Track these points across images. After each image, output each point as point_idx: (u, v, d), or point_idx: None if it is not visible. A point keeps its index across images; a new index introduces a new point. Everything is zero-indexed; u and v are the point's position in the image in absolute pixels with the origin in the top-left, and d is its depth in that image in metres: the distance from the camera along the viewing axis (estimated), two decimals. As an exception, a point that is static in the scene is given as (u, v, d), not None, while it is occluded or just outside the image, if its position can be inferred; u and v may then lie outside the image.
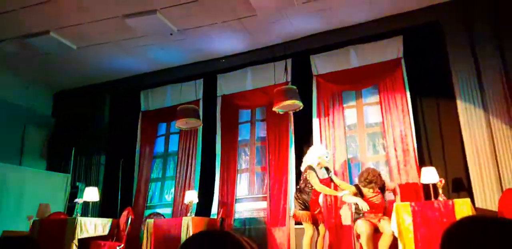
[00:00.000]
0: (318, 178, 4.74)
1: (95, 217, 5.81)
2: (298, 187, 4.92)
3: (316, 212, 4.82)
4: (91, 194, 5.85)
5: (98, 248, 5.16)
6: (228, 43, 6.31)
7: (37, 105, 7.63)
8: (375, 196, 4.58)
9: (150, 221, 5.49)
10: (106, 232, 5.44)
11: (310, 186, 4.76)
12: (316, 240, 4.77)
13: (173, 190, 6.62)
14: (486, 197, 4.56)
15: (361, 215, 4.55)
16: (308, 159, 4.91)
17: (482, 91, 4.97)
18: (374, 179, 4.47)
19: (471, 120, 4.92)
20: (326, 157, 4.92)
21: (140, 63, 6.91)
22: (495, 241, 0.72)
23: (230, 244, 0.85)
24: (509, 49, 4.95)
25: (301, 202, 4.77)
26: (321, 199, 5.15)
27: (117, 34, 5.94)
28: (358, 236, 4.46)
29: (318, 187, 4.66)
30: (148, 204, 6.77)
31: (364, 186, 4.53)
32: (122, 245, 5.35)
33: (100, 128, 7.42)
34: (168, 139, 7.24)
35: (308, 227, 4.69)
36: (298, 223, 5.36)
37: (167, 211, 6.47)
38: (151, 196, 6.92)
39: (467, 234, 0.77)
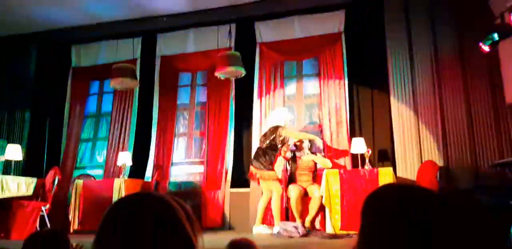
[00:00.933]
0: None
1: (19, 176, 5.45)
2: (264, 148, 4.89)
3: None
4: (14, 151, 5.46)
5: (21, 208, 4.89)
6: (170, 1, 5.99)
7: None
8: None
9: (79, 182, 5.30)
10: (30, 192, 5.15)
11: (277, 146, 4.86)
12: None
13: (105, 151, 6.41)
14: (407, 168, 5.01)
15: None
16: (276, 121, 4.99)
17: (412, 70, 5.32)
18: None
19: (400, 96, 5.29)
20: (290, 121, 5.14)
21: (73, 14, 6.30)
22: (405, 204, 0.81)
23: (161, 207, 0.84)
24: (440, 31, 5.30)
25: (268, 163, 4.81)
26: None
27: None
28: (289, 199, 4.72)
29: (302, 134, 4.95)
30: (77, 165, 6.50)
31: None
32: (48, 205, 5.13)
33: (24, 82, 6.81)
34: (101, 98, 6.90)
35: (278, 187, 4.77)
36: (235, 186, 5.52)
37: (98, 172, 6.27)
38: (81, 157, 6.63)
39: (384, 198, 0.85)
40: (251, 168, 4.90)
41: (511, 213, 3.31)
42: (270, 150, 4.87)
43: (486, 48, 4.60)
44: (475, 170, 4.84)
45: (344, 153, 5.32)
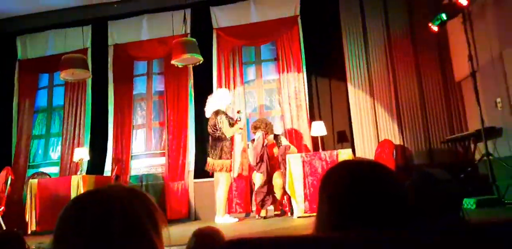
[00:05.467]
0: (229, 122, 4.69)
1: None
2: (214, 136, 4.73)
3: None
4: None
5: (-27, 212, 4.63)
6: (120, -14, 5.75)
7: None
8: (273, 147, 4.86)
9: (34, 181, 5.06)
10: (-19, 195, 4.88)
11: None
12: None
13: (59, 147, 6.14)
14: (365, 148, 5.18)
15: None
16: (216, 105, 4.79)
17: (367, 52, 5.44)
18: (258, 125, 4.75)
19: (356, 78, 5.39)
20: (230, 103, 4.94)
21: (16, 2, 5.92)
22: (359, 178, 0.85)
23: (116, 204, 0.81)
24: (392, 13, 5.42)
25: (219, 150, 4.64)
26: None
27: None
28: (254, 185, 4.76)
29: (229, 132, 4.63)
30: (30, 163, 6.21)
31: (253, 132, 4.80)
32: (2, 207, 4.88)
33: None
34: (51, 91, 6.57)
35: (227, 177, 4.67)
36: (198, 176, 5.47)
37: (53, 170, 6.03)
38: (33, 155, 6.34)
39: (338, 173, 0.89)
40: (208, 159, 4.77)
41: (462, 186, 3.51)
42: (221, 136, 4.69)
43: (435, 28, 4.75)
44: (429, 147, 5.07)
45: (304, 136, 5.38)
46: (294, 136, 5.42)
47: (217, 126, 4.64)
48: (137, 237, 0.79)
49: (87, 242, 0.76)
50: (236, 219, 4.64)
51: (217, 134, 4.68)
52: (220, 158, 4.63)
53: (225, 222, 4.52)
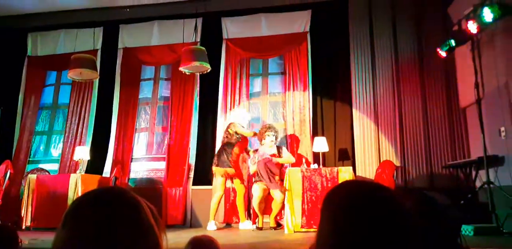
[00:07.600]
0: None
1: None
2: (222, 146, 5.06)
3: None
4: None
5: (-32, 204, 4.60)
6: (134, -9, 5.83)
7: None
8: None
9: (33, 177, 5.06)
10: (-22, 187, 4.86)
11: (231, 143, 4.98)
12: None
13: (61, 145, 6.14)
14: (366, 167, 5.18)
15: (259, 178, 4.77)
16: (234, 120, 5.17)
17: (374, 73, 5.49)
18: (275, 133, 4.90)
19: (362, 98, 5.44)
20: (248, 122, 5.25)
21: (30, 0, 6.00)
22: (363, 199, 0.85)
23: (128, 204, 0.81)
24: (401, 37, 5.49)
25: (225, 160, 4.93)
26: None
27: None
28: (251, 198, 4.76)
29: (249, 132, 5.02)
30: (30, 159, 6.20)
31: (265, 132, 4.87)
32: (-2, 201, 4.86)
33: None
34: (58, 89, 6.59)
35: (237, 185, 5.02)
36: (197, 183, 5.48)
37: (53, 167, 6.00)
38: (34, 151, 6.33)
39: (342, 194, 0.89)
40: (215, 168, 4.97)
41: (462, 212, 3.49)
42: (227, 148, 4.98)
43: (443, 53, 4.80)
44: (430, 171, 5.07)
45: (306, 151, 5.38)
46: (295, 150, 5.42)
47: (228, 133, 4.98)
48: (150, 241, 0.79)
49: (98, 242, 0.75)
50: (215, 227, 4.76)
51: (223, 143, 5.01)
52: (228, 166, 4.89)
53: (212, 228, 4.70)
